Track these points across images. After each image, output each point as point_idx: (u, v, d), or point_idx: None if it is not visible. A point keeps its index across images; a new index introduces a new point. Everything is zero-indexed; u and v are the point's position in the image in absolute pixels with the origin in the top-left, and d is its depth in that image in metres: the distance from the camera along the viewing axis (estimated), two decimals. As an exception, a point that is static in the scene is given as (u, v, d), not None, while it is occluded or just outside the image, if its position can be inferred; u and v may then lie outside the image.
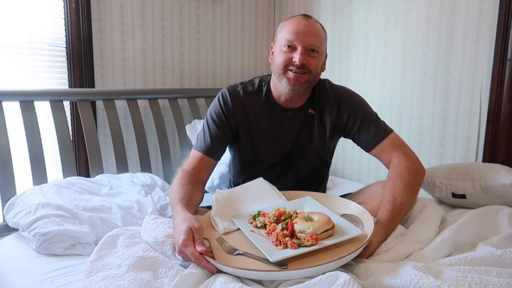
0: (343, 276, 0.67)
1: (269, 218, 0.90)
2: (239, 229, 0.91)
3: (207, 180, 1.14)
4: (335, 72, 2.00)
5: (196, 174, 1.08)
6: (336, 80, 1.96)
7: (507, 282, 0.74)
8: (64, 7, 1.55)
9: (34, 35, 1.51)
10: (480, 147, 1.53)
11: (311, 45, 1.07)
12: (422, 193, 1.36)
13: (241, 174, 1.24)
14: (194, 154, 1.14)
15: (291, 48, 1.07)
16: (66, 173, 1.42)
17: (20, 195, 1.21)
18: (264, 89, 1.18)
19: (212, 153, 1.13)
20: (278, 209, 0.91)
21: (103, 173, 1.49)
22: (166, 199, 1.30)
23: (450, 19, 1.57)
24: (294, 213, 0.91)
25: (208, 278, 0.75)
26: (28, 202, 1.14)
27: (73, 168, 1.44)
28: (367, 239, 0.84)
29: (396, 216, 0.96)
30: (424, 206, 1.08)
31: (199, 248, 0.78)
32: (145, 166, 1.62)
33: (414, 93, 1.72)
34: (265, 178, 1.15)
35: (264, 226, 0.89)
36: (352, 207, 0.99)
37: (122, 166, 1.56)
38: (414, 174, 1.05)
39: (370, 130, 1.14)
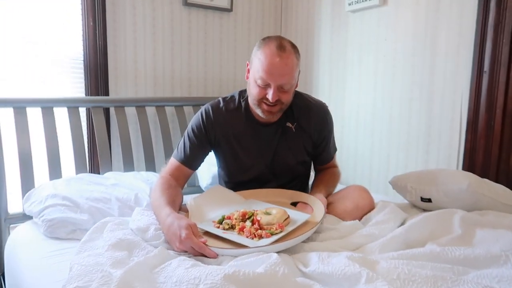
0: (275, 256, 0.79)
1: (236, 219, 1.02)
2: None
3: (184, 185, 1.26)
4: (333, 81, 2.09)
5: (174, 179, 1.20)
6: (334, 89, 2.09)
7: (433, 274, 0.82)
8: (82, 25, 1.77)
9: (56, 50, 1.74)
10: (460, 154, 1.57)
11: (283, 84, 1.11)
12: (394, 197, 1.44)
13: (229, 182, 1.34)
14: (172, 162, 1.25)
15: (266, 83, 1.12)
16: (78, 170, 1.61)
17: (37, 188, 1.41)
18: (243, 104, 1.25)
19: (189, 163, 1.23)
20: (240, 211, 1.04)
21: (111, 171, 1.68)
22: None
23: (434, 32, 1.62)
24: (254, 211, 1.04)
25: (168, 260, 0.87)
26: (41, 193, 1.33)
27: (85, 166, 1.64)
28: (320, 220, 1.01)
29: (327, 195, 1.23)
30: (384, 208, 1.16)
31: (202, 239, 0.91)
32: (150, 167, 1.79)
33: (402, 102, 1.78)
34: (251, 186, 1.28)
35: (231, 227, 1.01)
36: (302, 196, 1.19)
37: (128, 165, 1.74)
38: (338, 178, 1.36)
39: (329, 151, 1.32)
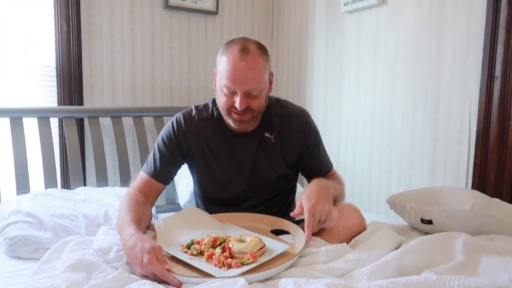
0: (242, 281, 0.78)
1: (205, 244, 1.00)
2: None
3: (154, 202, 1.25)
4: (328, 89, 2.10)
5: (143, 196, 1.19)
6: (329, 100, 2.08)
7: (426, 306, 0.78)
8: (55, 29, 1.81)
9: (25, 56, 1.77)
10: (470, 171, 1.54)
11: (251, 90, 1.10)
12: (396, 219, 1.40)
13: (204, 199, 1.32)
14: (142, 176, 1.24)
15: (231, 91, 1.11)
16: (48, 185, 1.63)
17: (2, 203, 1.42)
18: (216, 114, 1.24)
19: (160, 177, 1.22)
20: (211, 236, 1.03)
21: (83, 186, 1.67)
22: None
23: (439, 34, 1.62)
24: (227, 237, 1.03)
25: (128, 285, 0.85)
26: (5, 209, 1.34)
27: (55, 180, 1.65)
28: (298, 252, 0.98)
29: (326, 187, 1.15)
30: (376, 230, 1.12)
31: (165, 266, 0.90)
32: (125, 182, 1.78)
33: (404, 113, 1.77)
34: (227, 203, 1.27)
35: (200, 253, 0.99)
36: (284, 223, 1.16)
37: (102, 180, 1.74)
38: (341, 189, 1.30)
39: (319, 162, 1.29)
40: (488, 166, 1.47)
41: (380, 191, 1.86)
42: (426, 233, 1.26)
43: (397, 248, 1.09)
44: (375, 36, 1.86)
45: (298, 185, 1.85)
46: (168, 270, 0.89)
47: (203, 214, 1.23)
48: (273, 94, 2.43)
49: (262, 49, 1.15)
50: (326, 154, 1.34)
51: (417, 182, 1.71)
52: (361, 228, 1.14)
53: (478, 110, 1.50)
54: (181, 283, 0.88)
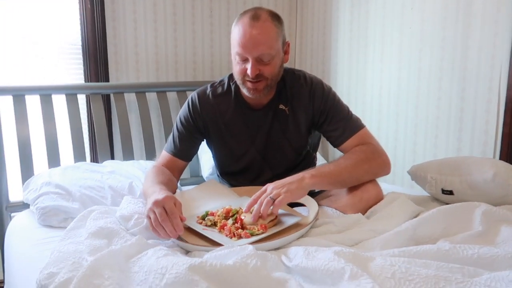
0: (250, 248, 0.80)
1: (218, 216, 1.03)
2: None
3: (178, 178, 1.29)
4: (353, 59, 2.04)
5: (168, 170, 1.24)
6: (354, 70, 2.03)
7: (435, 274, 0.78)
8: (80, 8, 1.85)
9: (52, 35, 1.83)
10: (498, 140, 1.47)
11: (261, 55, 1.10)
12: (421, 191, 1.37)
13: (221, 173, 1.37)
14: (164, 155, 1.29)
15: (244, 58, 1.12)
16: (77, 159, 1.71)
17: (35, 176, 1.51)
18: (233, 88, 1.25)
19: (181, 155, 1.27)
20: (225, 207, 1.06)
21: (111, 159, 1.76)
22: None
23: (468, -2, 1.52)
24: (240, 209, 1.05)
25: (145, 250, 0.90)
26: (37, 181, 1.42)
27: (84, 155, 1.73)
28: (309, 223, 0.98)
29: (332, 175, 1.08)
30: (393, 200, 1.12)
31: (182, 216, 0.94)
32: (150, 156, 1.85)
33: (431, 82, 1.69)
34: (244, 177, 1.29)
35: (214, 224, 1.03)
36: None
37: (128, 154, 1.81)
38: (369, 158, 1.14)
39: (339, 127, 1.21)
40: (518, 135, 1.41)
41: (405, 163, 1.82)
42: (447, 204, 1.24)
43: (414, 218, 1.09)
44: (401, 2, 1.76)
45: (320, 158, 1.84)
46: (182, 221, 0.93)
47: (222, 188, 1.26)
48: (297, 66, 2.42)
49: (274, 16, 1.14)
50: (351, 117, 1.24)
51: (443, 153, 1.66)
52: (378, 199, 1.13)
53: (508, 77, 1.41)
54: (184, 229, 0.93)
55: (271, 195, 0.98)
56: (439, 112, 1.67)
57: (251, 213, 1.01)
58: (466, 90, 1.57)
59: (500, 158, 1.45)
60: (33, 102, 1.71)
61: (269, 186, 1.02)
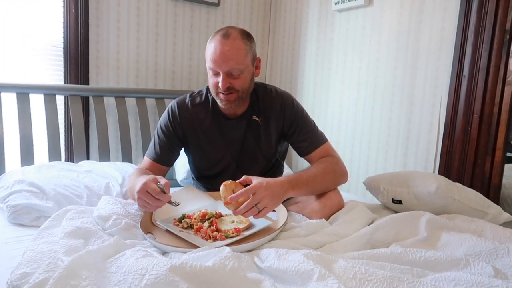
0: (227, 250, 0.78)
1: (195, 218, 1.01)
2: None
3: None
4: (318, 80, 2.09)
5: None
6: (318, 89, 2.07)
7: (390, 275, 0.80)
8: (64, 12, 1.74)
9: (35, 36, 1.70)
10: (437, 158, 1.56)
11: (231, 69, 1.10)
12: (372, 199, 1.43)
13: (198, 175, 1.35)
14: (146, 161, 1.26)
15: (215, 72, 1.12)
16: (52, 158, 1.59)
17: (6, 174, 1.38)
18: (210, 99, 1.24)
19: (161, 160, 1.24)
20: (201, 211, 1.03)
21: (86, 160, 1.65)
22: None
23: (417, 35, 1.62)
24: (215, 213, 1.03)
25: (123, 250, 0.85)
26: (9, 179, 1.30)
27: (59, 154, 1.61)
28: (279, 227, 0.97)
29: (299, 183, 1.07)
30: (353, 208, 1.14)
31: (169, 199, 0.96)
32: (126, 158, 1.77)
33: (383, 104, 1.77)
34: (217, 181, 1.24)
35: (190, 227, 1.00)
36: None
37: (104, 156, 1.71)
38: (334, 169, 1.17)
39: (307, 138, 1.23)
40: (453, 154, 1.50)
41: (359, 174, 1.88)
42: (396, 212, 1.29)
43: (370, 224, 1.11)
44: (361, 34, 1.84)
45: (286, 166, 1.86)
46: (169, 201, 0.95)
47: (199, 192, 1.23)
48: (268, 81, 2.43)
49: (244, 34, 1.14)
50: (317, 130, 1.26)
51: (391, 167, 1.74)
52: (340, 206, 1.14)
53: (447, 105, 1.51)
54: (170, 198, 0.96)
55: (258, 206, 0.95)
56: (390, 131, 1.75)
57: (226, 216, 0.99)
58: (412, 113, 1.65)
59: (439, 173, 1.54)
60: (9, 100, 1.57)
61: (260, 191, 0.96)
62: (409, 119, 1.67)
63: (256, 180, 0.99)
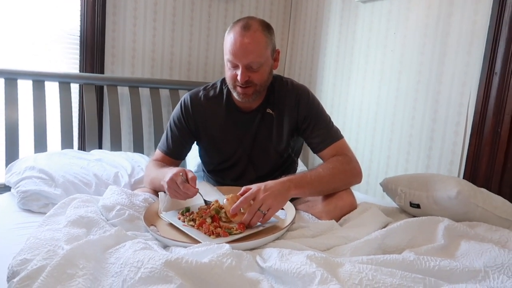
0: (227, 247, 0.77)
1: (198, 213, 1.00)
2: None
3: None
4: (338, 73, 2.04)
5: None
6: (338, 84, 2.03)
7: (399, 283, 0.77)
8: (81, 0, 1.77)
9: (52, 24, 1.75)
10: (463, 161, 1.49)
11: (251, 63, 1.09)
12: (391, 202, 1.37)
13: (209, 169, 1.35)
14: (158, 153, 1.27)
15: (234, 65, 1.11)
16: (64, 146, 1.63)
17: (19, 160, 1.43)
18: (225, 91, 1.24)
19: (173, 154, 1.25)
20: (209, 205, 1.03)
21: (98, 149, 1.69)
22: (142, 172, 1.42)
23: (446, 28, 1.54)
24: (219, 206, 1.01)
25: (124, 242, 0.86)
26: (21, 165, 1.34)
27: (71, 142, 1.65)
28: (286, 226, 0.95)
29: (302, 182, 1.05)
30: (365, 210, 1.11)
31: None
32: (138, 149, 1.79)
33: (406, 102, 1.71)
34: (229, 175, 1.27)
35: (193, 221, 0.99)
36: None
37: (116, 145, 1.74)
38: (345, 169, 1.12)
39: (320, 134, 1.20)
40: (481, 157, 1.42)
41: (379, 174, 1.82)
42: (413, 217, 1.24)
43: (383, 228, 1.08)
44: (386, 27, 1.78)
45: (300, 163, 1.83)
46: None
47: (207, 186, 1.22)
48: (286, 74, 2.40)
49: (264, 26, 1.12)
50: (331, 127, 1.23)
51: (413, 168, 1.67)
52: (352, 207, 1.11)
53: (476, 103, 1.43)
54: (198, 190, 1.00)
55: (261, 209, 0.94)
56: (412, 130, 1.68)
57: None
58: (438, 112, 1.58)
59: (464, 177, 1.47)
60: (25, 87, 1.62)
61: (260, 194, 0.95)
62: (434, 118, 1.59)
63: (254, 186, 0.98)
